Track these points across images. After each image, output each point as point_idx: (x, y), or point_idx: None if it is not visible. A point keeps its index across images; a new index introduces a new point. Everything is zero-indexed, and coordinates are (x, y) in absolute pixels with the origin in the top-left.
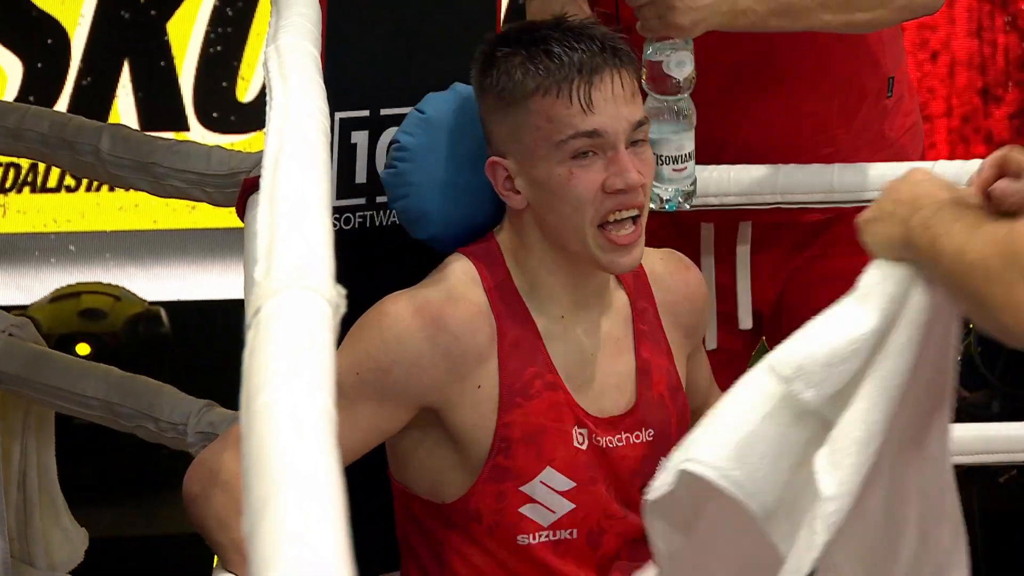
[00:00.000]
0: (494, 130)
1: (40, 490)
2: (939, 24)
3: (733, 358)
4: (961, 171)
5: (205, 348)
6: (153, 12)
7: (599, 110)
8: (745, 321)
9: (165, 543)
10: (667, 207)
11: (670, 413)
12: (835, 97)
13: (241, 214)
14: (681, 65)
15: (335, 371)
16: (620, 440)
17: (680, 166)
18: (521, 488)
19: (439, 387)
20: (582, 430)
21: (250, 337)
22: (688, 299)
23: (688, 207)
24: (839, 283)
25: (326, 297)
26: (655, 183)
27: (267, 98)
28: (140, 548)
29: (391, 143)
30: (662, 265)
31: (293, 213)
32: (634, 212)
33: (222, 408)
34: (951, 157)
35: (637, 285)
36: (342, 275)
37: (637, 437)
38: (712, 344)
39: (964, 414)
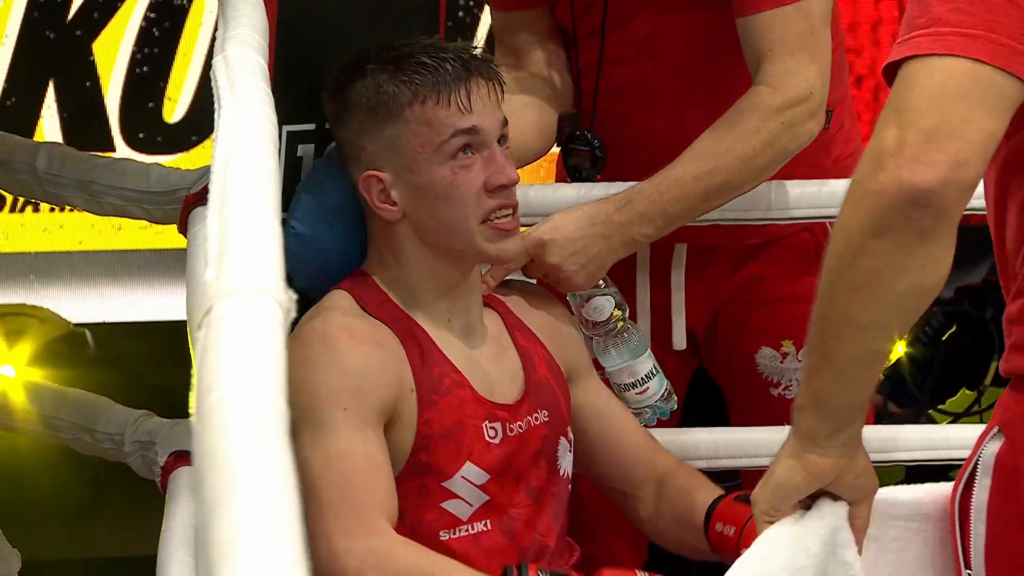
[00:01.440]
0: (366, 145)
1: None
2: (864, 48)
3: (671, 377)
4: None
5: (131, 370)
6: (79, 32)
7: (475, 109)
8: (679, 342)
9: (95, 565)
10: (646, 422)
11: (556, 394)
12: None
13: (183, 230)
14: (599, 309)
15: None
16: (524, 425)
17: (640, 389)
18: (443, 484)
19: (395, 396)
20: (494, 424)
21: (201, 336)
22: (542, 310)
23: (669, 412)
24: (773, 306)
25: (278, 300)
26: (625, 404)
27: (215, 107)
28: (70, 571)
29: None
30: (512, 292)
31: (244, 217)
32: (511, 209)
33: (159, 417)
34: None
35: (489, 297)
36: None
37: (535, 419)
38: None
39: None
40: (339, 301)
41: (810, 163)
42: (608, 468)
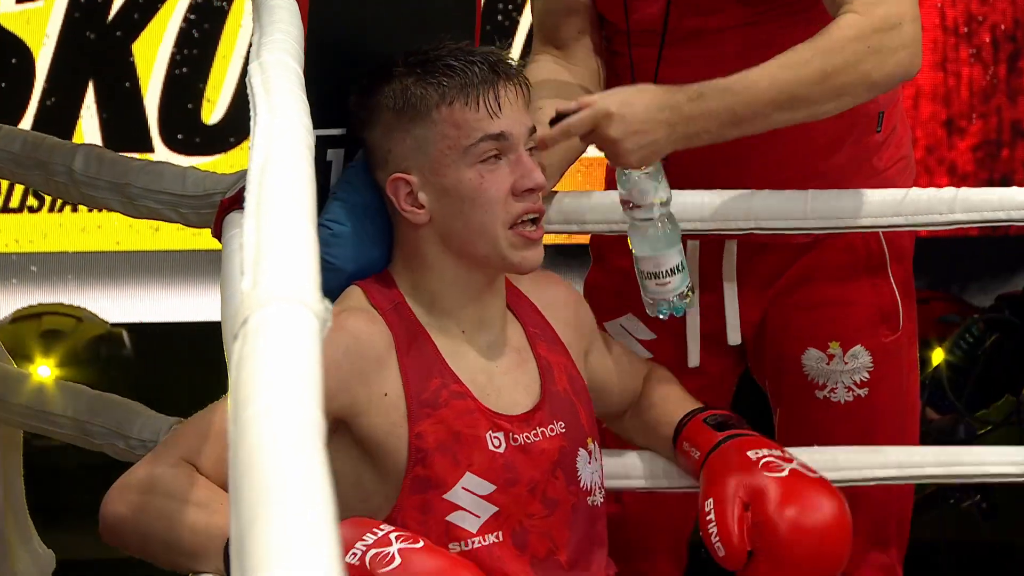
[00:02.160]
0: (394, 148)
1: (7, 510)
2: None
3: (717, 381)
4: (935, 198)
5: (167, 370)
6: (119, 33)
7: (504, 113)
8: (733, 337)
9: (128, 567)
10: (659, 314)
11: (576, 405)
12: (819, 133)
13: (217, 235)
14: (644, 192)
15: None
16: (536, 435)
17: (662, 281)
18: (445, 496)
19: (345, 389)
20: (497, 434)
21: (237, 347)
22: (560, 297)
23: (684, 310)
24: (820, 308)
25: (314, 311)
26: (644, 293)
27: (251, 113)
28: (103, 572)
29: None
30: (529, 281)
31: (280, 227)
32: (537, 215)
33: None
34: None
35: (517, 301)
36: None
37: (551, 430)
38: (695, 362)
39: (930, 437)
40: (347, 295)
41: (859, 165)
42: (622, 408)
